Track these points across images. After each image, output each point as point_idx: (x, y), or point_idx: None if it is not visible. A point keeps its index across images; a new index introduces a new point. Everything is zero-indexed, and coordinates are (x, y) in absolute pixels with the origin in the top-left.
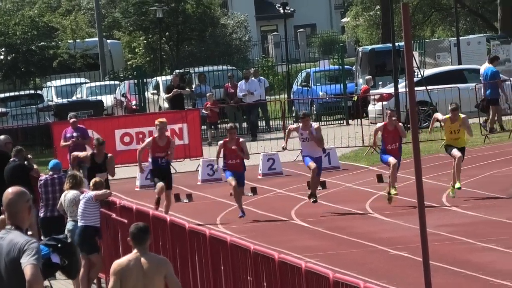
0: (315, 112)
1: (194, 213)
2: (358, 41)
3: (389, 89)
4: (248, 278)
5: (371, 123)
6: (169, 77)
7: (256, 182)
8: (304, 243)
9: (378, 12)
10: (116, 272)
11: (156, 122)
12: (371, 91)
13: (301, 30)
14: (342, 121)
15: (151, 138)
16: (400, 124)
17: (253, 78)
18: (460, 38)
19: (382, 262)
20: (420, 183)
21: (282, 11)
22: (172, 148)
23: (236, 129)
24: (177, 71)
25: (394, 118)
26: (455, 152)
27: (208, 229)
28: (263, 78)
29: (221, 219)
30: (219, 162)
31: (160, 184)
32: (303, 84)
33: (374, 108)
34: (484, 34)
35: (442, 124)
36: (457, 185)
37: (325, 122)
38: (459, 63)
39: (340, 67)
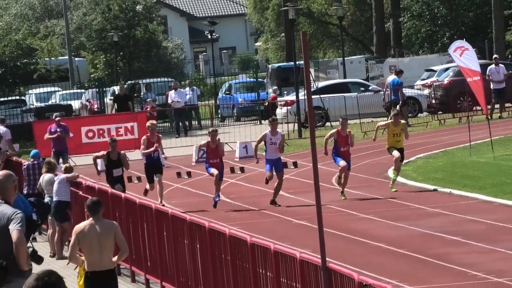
0: (235, 114)
1: (143, 191)
2: (268, 60)
3: (292, 97)
4: (185, 241)
5: (279, 123)
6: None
7: (191, 167)
8: (228, 215)
9: (283, 38)
10: (76, 233)
11: (148, 124)
12: (278, 98)
13: (225, 51)
14: (256, 121)
15: (145, 137)
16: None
17: (180, 89)
18: (345, 58)
19: (288, 229)
20: (316, 168)
21: (209, 36)
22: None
23: (216, 131)
24: (128, 82)
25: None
26: (395, 153)
27: (154, 204)
28: (195, 87)
29: (164, 196)
30: (199, 155)
31: (152, 185)
32: (226, 92)
33: (281, 111)
34: (363, 56)
35: (385, 128)
36: (393, 175)
37: (243, 122)
38: (344, 77)
39: (255, 79)
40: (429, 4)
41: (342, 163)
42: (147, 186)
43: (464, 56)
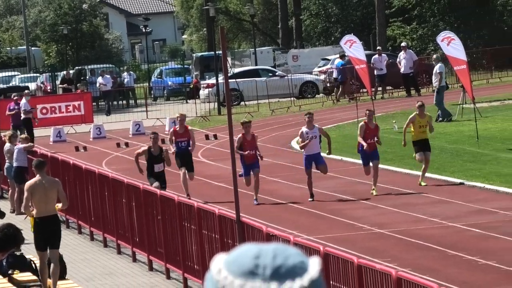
0: (166, 94)
1: (89, 159)
2: (192, 50)
3: (212, 81)
4: (123, 200)
5: (201, 102)
6: (71, 71)
7: (128, 139)
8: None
9: (205, 32)
10: (28, 188)
11: (177, 114)
12: (201, 82)
13: (156, 42)
14: (183, 100)
15: (172, 128)
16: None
17: (106, 75)
18: (256, 49)
19: (210, 190)
20: (232, 139)
21: (144, 30)
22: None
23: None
24: (76, 68)
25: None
26: (420, 156)
27: (97, 169)
28: (132, 72)
29: (105, 163)
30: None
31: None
32: (158, 76)
33: (203, 92)
34: (271, 47)
35: (412, 122)
36: (423, 183)
37: (172, 101)
38: (256, 65)
39: (181, 66)
40: (324, 5)
41: (366, 169)
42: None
43: (353, 48)
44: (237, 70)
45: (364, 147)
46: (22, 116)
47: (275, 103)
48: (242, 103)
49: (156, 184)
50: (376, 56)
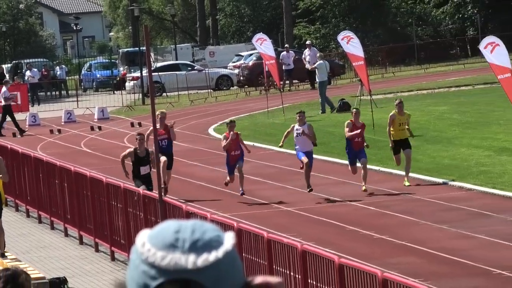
0: (95, 86)
1: (26, 144)
2: (119, 46)
3: (137, 74)
4: (56, 181)
5: (127, 93)
6: (9, 65)
7: (61, 126)
8: (90, 162)
9: (130, 30)
10: None
11: (158, 112)
12: (127, 75)
13: (86, 39)
14: (111, 92)
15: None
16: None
17: (34, 69)
18: (176, 45)
19: None
20: (155, 126)
21: (75, 27)
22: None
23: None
24: (13, 61)
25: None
26: (401, 154)
27: (33, 153)
28: (64, 66)
29: (40, 148)
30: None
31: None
32: (88, 70)
33: (129, 84)
34: (190, 44)
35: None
36: (407, 183)
37: (100, 92)
38: (176, 60)
39: (109, 60)
40: (238, 6)
41: (353, 169)
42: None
43: (263, 45)
44: (159, 64)
45: (352, 135)
46: (3, 102)
47: (194, 95)
48: (164, 94)
49: (142, 187)
50: (284, 52)
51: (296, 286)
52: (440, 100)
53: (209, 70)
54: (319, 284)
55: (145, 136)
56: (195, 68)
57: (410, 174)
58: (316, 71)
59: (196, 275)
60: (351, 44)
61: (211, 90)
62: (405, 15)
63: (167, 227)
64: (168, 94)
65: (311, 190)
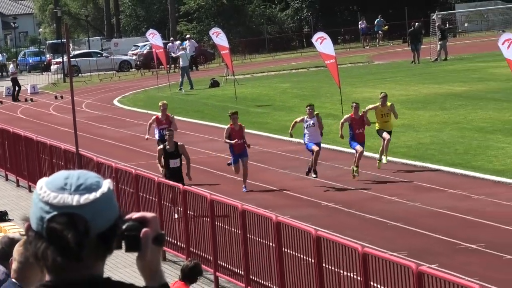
0: (28, 68)
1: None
2: (46, 38)
3: (59, 59)
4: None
5: (52, 74)
6: None
7: (1, 98)
8: (23, 124)
9: (54, 26)
10: None
11: (160, 103)
12: (52, 60)
13: (22, 33)
14: (40, 72)
15: (155, 116)
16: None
17: None
18: (89, 38)
19: (83, 140)
20: (73, 101)
21: (13, 25)
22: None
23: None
24: None
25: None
26: (385, 135)
27: None
28: (4, 53)
29: None
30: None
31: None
32: (22, 56)
33: (53, 67)
34: (100, 37)
35: (374, 109)
36: (384, 160)
37: (33, 73)
38: (89, 49)
39: (39, 49)
40: (135, 9)
41: (359, 147)
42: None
43: (154, 38)
44: (76, 52)
45: (340, 135)
46: (11, 76)
47: (102, 75)
48: (80, 74)
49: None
50: (170, 43)
51: (272, 254)
52: (284, 79)
53: (113, 56)
54: (293, 252)
55: (148, 124)
56: (103, 55)
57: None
58: (180, 59)
59: (78, 210)
60: (324, 44)
61: (115, 72)
62: (259, 17)
63: (60, 175)
64: (83, 74)
65: (316, 177)
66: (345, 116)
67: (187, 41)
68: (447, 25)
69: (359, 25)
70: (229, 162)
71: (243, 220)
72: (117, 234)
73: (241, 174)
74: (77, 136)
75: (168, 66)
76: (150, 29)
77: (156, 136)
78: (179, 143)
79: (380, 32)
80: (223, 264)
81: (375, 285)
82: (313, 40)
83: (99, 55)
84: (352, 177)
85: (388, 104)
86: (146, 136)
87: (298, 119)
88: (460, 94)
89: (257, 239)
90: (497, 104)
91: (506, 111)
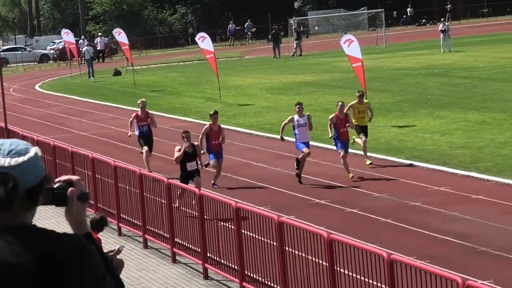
0: None
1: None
2: None
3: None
4: None
5: None
6: None
7: None
8: None
9: None
10: None
11: (139, 101)
12: None
13: None
14: None
15: (134, 114)
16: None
17: None
18: (16, 36)
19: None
20: (2, 89)
21: None
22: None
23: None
24: None
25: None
26: (362, 136)
27: None
28: None
29: None
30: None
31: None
32: None
33: None
34: (24, 35)
35: (351, 108)
36: (368, 161)
37: None
38: (16, 44)
39: None
40: (52, 13)
41: (342, 152)
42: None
43: (68, 36)
44: (4, 47)
45: (330, 136)
46: None
47: (26, 65)
48: (8, 65)
49: (191, 183)
50: (81, 40)
51: (232, 235)
52: (173, 70)
53: (35, 51)
54: (250, 233)
55: (129, 122)
56: (27, 49)
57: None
58: (85, 53)
59: (9, 170)
60: (205, 42)
61: (37, 63)
62: (152, 20)
63: None
64: (10, 65)
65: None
66: (331, 117)
67: (99, 38)
68: (302, 28)
69: (228, 28)
70: (206, 163)
71: (201, 203)
72: (42, 190)
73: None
74: (6, 115)
75: (79, 58)
76: (64, 29)
77: (137, 133)
78: (195, 143)
79: (249, 33)
80: (182, 242)
81: (314, 259)
82: (196, 38)
83: (23, 50)
84: (350, 177)
85: (365, 101)
86: (129, 133)
87: (286, 121)
88: (312, 82)
89: (216, 221)
90: (340, 90)
91: (347, 96)
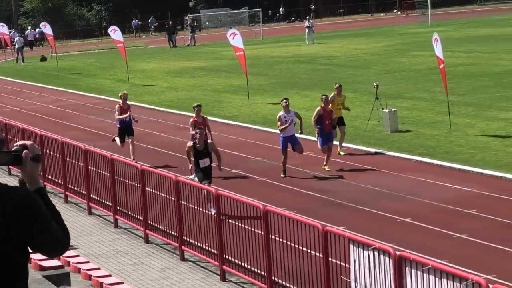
0: None
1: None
2: None
3: None
4: None
5: None
6: None
7: None
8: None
9: None
10: None
11: (120, 94)
12: None
13: None
14: None
15: (118, 105)
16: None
17: None
18: None
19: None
20: None
21: None
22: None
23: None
24: None
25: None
26: (342, 128)
27: None
28: None
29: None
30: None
31: (123, 144)
32: None
33: None
34: None
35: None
36: (342, 152)
37: None
38: None
39: None
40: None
41: (323, 148)
42: (119, 144)
43: (3, 29)
44: None
45: (317, 132)
46: None
47: None
48: None
49: (205, 182)
50: (13, 32)
51: (172, 207)
52: (90, 56)
53: None
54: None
55: (116, 117)
56: None
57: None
58: (17, 43)
59: None
60: (116, 34)
61: None
62: (73, 15)
63: None
64: None
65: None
66: (316, 110)
67: (29, 30)
68: (195, 23)
69: (133, 23)
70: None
71: (142, 177)
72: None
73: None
74: None
75: (12, 46)
76: (0, 22)
77: (117, 125)
78: (208, 141)
79: (152, 27)
80: (123, 210)
81: (227, 220)
82: (109, 31)
83: None
84: (326, 169)
85: (344, 95)
86: (125, 117)
87: (278, 123)
88: (204, 67)
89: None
90: (226, 74)
91: (232, 79)
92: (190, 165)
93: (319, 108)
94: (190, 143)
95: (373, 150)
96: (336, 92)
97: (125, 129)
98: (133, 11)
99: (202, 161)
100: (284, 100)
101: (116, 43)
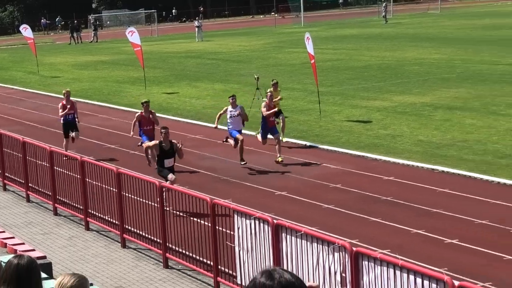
0: None
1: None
2: None
3: None
4: None
5: None
6: None
7: None
8: None
9: None
10: None
11: (64, 91)
12: None
13: None
14: None
15: (61, 103)
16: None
17: None
18: None
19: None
20: None
21: None
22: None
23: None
24: None
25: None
26: (282, 117)
27: None
28: None
29: None
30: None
31: (68, 139)
32: None
33: None
34: None
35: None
36: (284, 139)
37: None
38: None
39: None
40: None
41: (264, 141)
42: (64, 141)
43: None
44: None
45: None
46: None
47: None
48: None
49: (170, 175)
50: None
51: (113, 198)
52: (3, 51)
53: None
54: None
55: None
56: None
57: None
58: None
59: None
60: (27, 31)
61: None
62: None
63: None
64: None
65: (245, 164)
66: (263, 104)
67: None
68: (98, 22)
69: (41, 22)
70: (139, 144)
71: (82, 169)
72: None
73: None
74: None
75: None
76: None
77: (61, 121)
78: (173, 141)
79: (59, 25)
80: (63, 199)
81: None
82: (21, 29)
83: None
84: (279, 161)
85: (279, 89)
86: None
87: (221, 112)
88: (105, 61)
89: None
90: (125, 67)
91: (131, 71)
92: (149, 163)
93: (264, 103)
94: (155, 142)
95: (253, 133)
96: (272, 88)
97: (68, 125)
98: (42, 11)
99: (167, 161)
100: (231, 98)
101: (27, 40)
